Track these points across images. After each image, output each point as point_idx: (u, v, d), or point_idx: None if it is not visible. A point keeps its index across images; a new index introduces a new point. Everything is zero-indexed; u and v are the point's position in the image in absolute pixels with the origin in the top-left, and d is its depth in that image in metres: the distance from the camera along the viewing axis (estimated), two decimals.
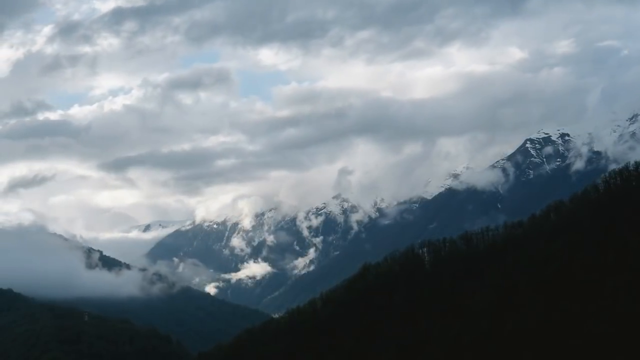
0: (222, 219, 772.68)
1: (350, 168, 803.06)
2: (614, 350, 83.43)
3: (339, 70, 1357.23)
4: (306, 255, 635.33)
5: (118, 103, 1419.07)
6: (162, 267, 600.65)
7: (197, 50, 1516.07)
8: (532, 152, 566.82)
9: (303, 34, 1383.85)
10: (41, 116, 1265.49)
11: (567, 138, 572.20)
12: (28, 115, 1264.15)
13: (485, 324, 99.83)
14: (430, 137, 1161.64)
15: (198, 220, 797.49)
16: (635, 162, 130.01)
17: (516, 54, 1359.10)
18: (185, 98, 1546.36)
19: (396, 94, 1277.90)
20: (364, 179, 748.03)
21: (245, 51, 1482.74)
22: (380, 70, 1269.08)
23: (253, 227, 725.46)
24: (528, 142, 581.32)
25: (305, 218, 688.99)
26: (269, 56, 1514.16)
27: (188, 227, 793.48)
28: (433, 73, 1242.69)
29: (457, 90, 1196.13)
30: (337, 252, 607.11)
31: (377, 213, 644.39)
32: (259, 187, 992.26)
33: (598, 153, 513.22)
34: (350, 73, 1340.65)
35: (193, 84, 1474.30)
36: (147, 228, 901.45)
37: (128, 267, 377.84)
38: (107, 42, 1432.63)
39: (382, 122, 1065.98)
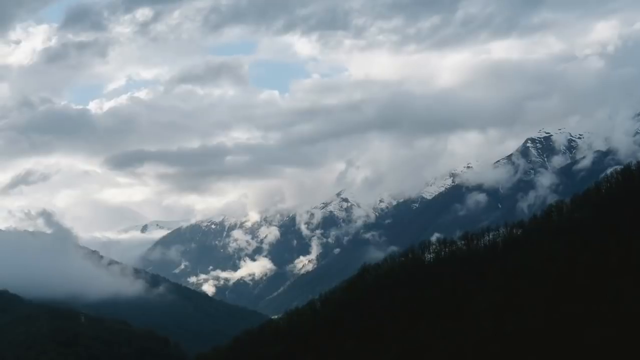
0: (221, 219, 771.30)
1: (358, 164, 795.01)
2: (616, 352, 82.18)
3: (361, 61, 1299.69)
4: (307, 255, 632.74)
5: (127, 96, 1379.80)
6: (160, 267, 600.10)
7: (213, 40, 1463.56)
8: (534, 151, 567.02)
9: (326, 23, 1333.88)
10: (47, 109, 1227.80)
11: (569, 138, 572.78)
12: (34, 108, 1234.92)
13: (486, 325, 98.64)
14: (449, 131, 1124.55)
15: (197, 219, 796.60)
16: (638, 162, 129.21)
17: (548, 43, 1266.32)
18: (198, 91, 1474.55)
19: (420, 86, 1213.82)
20: (370, 176, 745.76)
21: (265, 41, 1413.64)
22: (404, 61, 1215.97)
23: (254, 225, 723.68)
24: (529, 141, 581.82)
25: (307, 215, 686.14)
26: (290, 46, 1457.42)
27: (187, 227, 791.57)
28: (459, 64, 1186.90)
29: (484, 82, 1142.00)
30: (338, 251, 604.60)
31: (378, 212, 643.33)
32: (266, 185, 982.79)
33: (603, 152, 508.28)
34: (374, 64, 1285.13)
35: (207, 76, 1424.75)
36: (145, 228, 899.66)
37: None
38: (119, 30, 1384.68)
39: (403, 116, 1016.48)
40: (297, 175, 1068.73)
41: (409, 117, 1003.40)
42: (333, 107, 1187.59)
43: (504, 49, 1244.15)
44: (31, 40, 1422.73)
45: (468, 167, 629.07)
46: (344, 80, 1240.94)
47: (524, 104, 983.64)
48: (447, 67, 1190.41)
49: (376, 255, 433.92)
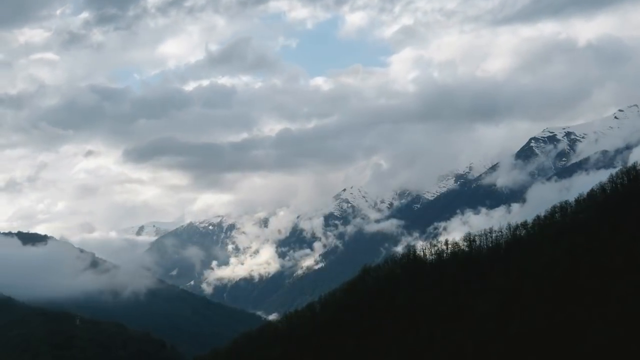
0: (219, 220, 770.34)
1: (376, 159, 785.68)
2: (619, 353, 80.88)
3: (412, 44, 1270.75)
4: (310, 254, 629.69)
5: (154, 82, 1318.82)
6: (157, 269, 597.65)
7: (254, 15, 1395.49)
8: (537, 151, 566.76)
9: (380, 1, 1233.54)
10: (65, 97, 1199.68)
11: (572, 137, 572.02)
12: (52, 97, 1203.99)
13: (489, 327, 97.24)
14: (489, 122, 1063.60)
15: (196, 219, 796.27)
16: None
17: (620, 23, 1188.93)
18: (228, 76, 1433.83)
19: (474, 70, 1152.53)
20: (382, 172, 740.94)
21: (309, 18, 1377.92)
22: (465, 42, 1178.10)
23: (258, 223, 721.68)
24: (533, 141, 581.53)
25: (313, 213, 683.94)
26: (336, 26, 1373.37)
27: (185, 227, 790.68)
28: (517, 46, 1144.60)
29: (548, 65, 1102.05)
30: (342, 251, 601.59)
31: (383, 210, 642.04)
32: (283, 181, 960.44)
33: (605, 152, 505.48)
34: (426, 47, 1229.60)
35: (238, 60, 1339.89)
36: (141, 229, 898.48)
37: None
38: (147, 7, 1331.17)
39: (447, 104, 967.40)
40: (317, 170, 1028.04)
41: (454, 105, 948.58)
42: (373, 95, 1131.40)
43: (578, 27, 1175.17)
44: (50, 26, 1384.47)
45: (470, 167, 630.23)
46: (390, 65, 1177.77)
47: (583, 90, 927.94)
48: (505, 50, 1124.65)
49: (379, 254, 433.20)
